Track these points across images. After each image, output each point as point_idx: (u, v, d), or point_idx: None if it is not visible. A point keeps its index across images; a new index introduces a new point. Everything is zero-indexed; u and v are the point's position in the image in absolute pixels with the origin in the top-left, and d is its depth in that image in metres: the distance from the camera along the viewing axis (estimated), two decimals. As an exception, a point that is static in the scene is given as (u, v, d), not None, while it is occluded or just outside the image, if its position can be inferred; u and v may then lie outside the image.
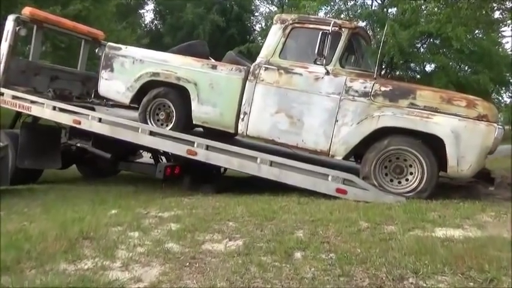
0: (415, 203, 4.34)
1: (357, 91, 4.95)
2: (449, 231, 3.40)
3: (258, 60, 5.43)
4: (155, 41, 24.50)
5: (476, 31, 16.11)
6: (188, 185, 6.06)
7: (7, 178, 6.11)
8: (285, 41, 5.35)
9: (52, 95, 7.05)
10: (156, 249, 3.15)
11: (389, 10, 20.00)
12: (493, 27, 14.77)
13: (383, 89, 4.88)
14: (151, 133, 5.70)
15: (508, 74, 21.92)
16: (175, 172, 5.96)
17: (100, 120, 6.01)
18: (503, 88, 25.49)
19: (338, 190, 4.79)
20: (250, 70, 5.40)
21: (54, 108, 6.30)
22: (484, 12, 10.65)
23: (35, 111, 6.47)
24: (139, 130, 5.76)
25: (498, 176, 5.00)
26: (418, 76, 20.31)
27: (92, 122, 6.06)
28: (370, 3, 20.80)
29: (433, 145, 4.66)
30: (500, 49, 22.30)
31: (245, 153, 5.25)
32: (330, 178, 4.84)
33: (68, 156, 7.33)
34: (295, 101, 5.16)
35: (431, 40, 19.69)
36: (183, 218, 4.00)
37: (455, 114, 4.58)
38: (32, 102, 6.42)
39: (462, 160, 4.54)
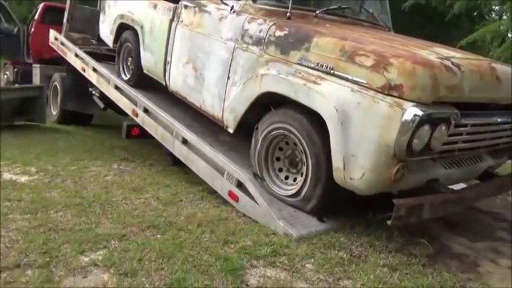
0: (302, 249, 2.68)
1: (251, 37, 3.35)
2: None
3: (190, -5, 4.30)
4: None
5: None
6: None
7: (43, 116, 6.83)
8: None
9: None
10: None
11: None
12: None
13: (278, 34, 3.14)
14: (116, 87, 5.33)
15: None
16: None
17: (94, 69, 5.92)
18: None
19: (230, 194, 3.37)
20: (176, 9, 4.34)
21: (76, 55, 6.58)
22: None
23: (69, 57, 6.85)
24: (110, 82, 5.48)
25: (401, 202, 2.56)
26: None
27: (89, 70, 6.06)
28: None
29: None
30: None
31: (166, 122, 4.25)
32: (225, 175, 3.44)
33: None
34: (200, 49, 3.91)
35: None
36: None
37: (352, 81, 2.57)
38: (64, 45, 6.88)
39: (351, 161, 2.57)
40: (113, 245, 2.57)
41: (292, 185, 3.15)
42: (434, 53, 2.68)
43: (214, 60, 3.71)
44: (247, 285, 2.31)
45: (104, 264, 2.31)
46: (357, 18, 3.72)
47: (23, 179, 3.76)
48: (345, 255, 2.68)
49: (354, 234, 2.96)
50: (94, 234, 2.68)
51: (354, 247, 2.80)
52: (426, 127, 2.37)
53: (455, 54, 2.76)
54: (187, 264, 2.40)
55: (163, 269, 2.33)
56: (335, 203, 3.07)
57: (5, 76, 10.62)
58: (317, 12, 3.43)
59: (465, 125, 2.64)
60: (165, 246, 2.59)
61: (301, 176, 3.06)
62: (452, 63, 2.54)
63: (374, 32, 3.34)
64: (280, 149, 3.25)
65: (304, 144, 2.90)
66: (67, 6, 7.44)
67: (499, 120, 2.89)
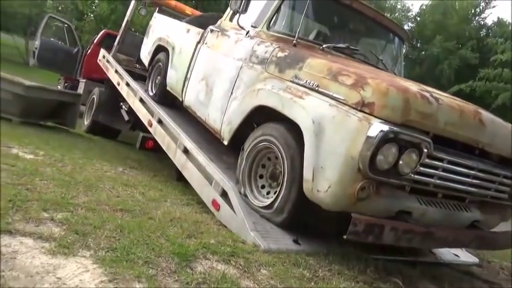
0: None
1: (257, 56, 3.58)
2: None
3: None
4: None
5: None
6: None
7: (73, 122, 7.28)
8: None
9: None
10: None
11: None
12: None
13: (279, 55, 3.35)
14: (140, 99, 5.70)
15: None
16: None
17: (128, 84, 6.35)
18: None
19: (213, 202, 3.39)
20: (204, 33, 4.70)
21: (116, 71, 7.11)
22: None
23: (109, 72, 7.39)
24: (136, 95, 5.87)
25: (359, 218, 2.46)
26: None
27: (123, 84, 6.53)
28: None
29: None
30: None
31: (174, 132, 4.46)
32: (213, 183, 3.47)
33: None
34: (214, 67, 4.18)
35: None
36: None
37: (331, 97, 2.67)
38: (108, 62, 7.47)
39: (320, 173, 2.61)
40: (79, 211, 2.68)
41: (271, 198, 3.18)
42: (418, 85, 2.75)
43: (223, 76, 3.94)
44: (192, 269, 2.30)
45: (60, 221, 2.42)
46: (364, 60, 3.86)
47: (28, 156, 4.02)
48: (308, 274, 2.58)
49: (326, 261, 2.84)
50: (65, 202, 2.80)
51: (320, 270, 2.70)
52: (393, 147, 2.39)
53: (440, 93, 2.81)
54: (140, 239, 2.44)
55: (115, 237, 2.39)
56: (307, 223, 3.05)
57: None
58: (323, 46, 3.62)
59: (441, 160, 2.63)
60: (127, 224, 2.66)
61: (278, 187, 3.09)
62: (431, 95, 2.59)
63: (373, 69, 3.47)
64: (263, 166, 3.33)
65: (282, 151, 2.97)
66: (120, 30, 8.17)
67: (481, 166, 2.83)
